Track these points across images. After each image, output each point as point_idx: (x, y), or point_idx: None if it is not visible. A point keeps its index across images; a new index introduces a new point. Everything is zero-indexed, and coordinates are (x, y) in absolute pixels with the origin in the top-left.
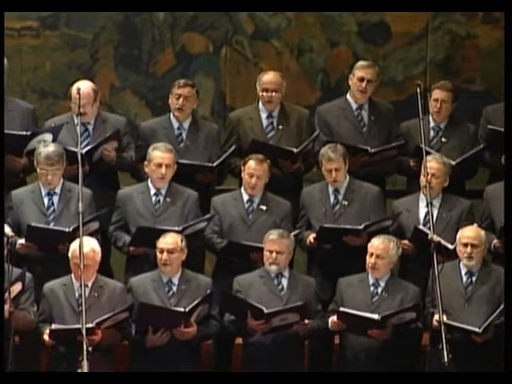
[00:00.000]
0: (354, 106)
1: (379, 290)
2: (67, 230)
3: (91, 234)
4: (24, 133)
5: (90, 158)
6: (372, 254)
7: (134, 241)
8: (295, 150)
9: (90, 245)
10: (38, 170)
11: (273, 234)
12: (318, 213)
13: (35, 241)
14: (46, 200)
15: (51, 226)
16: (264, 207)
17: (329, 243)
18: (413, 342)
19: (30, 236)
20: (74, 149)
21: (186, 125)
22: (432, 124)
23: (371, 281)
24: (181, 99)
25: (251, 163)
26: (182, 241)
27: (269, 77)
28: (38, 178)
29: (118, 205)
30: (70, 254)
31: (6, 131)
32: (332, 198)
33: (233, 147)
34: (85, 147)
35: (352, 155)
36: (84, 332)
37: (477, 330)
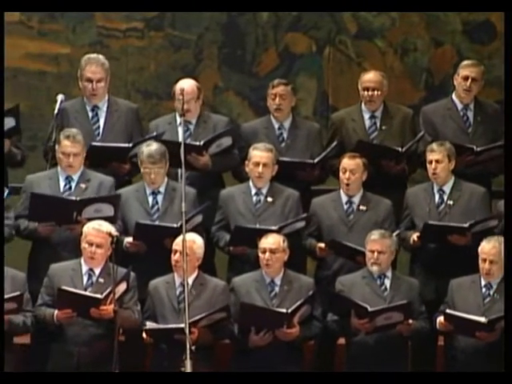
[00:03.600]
0: (460, 105)
1: (491, 291)
2: (175, 225)
3: (195, 228)
4: (127, 145)
5: (207, 150)
6: (485, 260)
7: (232, 240)
8: (401, 150)
9: (192, 237)
10: (142, 170)
11: (374, 234)
12: (422, 212)
13: (143, 238)
14: (150, 199)
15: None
16: (364, 207)
17: (433, 242)
18: None
19: (139, 234)
20: (195, 143)
21: (287, 124)
22: None
23: (483, 282)
24: (277, 98)
25: (344, 160)
26: (284, 241)
27: (370, 76)
28: (142, 178)
29: (221, 204)
30: (172, 248)
31: (109, 144)
32: (437, 197)
33: (334, 143)
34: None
35: (458, 155)
36: (187, 331)
37: None
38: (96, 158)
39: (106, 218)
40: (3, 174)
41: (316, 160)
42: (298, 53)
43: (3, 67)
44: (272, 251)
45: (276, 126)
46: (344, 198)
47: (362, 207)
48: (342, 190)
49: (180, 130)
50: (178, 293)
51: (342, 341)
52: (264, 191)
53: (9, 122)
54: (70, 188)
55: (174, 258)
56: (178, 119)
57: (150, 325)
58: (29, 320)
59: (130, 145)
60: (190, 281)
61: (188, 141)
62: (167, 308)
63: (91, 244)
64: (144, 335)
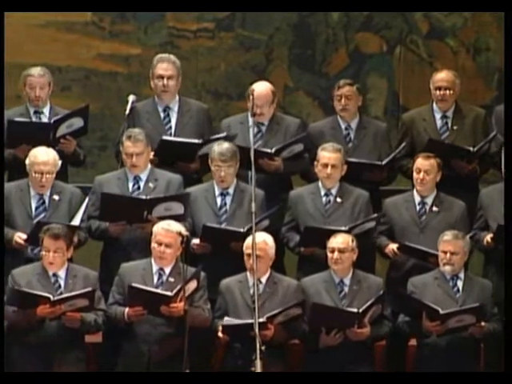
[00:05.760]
0: None
1: None
2: (242, 230)
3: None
4: (197, 141)
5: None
6: None
7: (302, 241)
8: (472, 149)
9: (263, 237)
10: (212, 168)
11: (447, 235)
12: (496, 213)
13: (210, 240)
14: (218, 200)
15: (223, 226)
16: (436, 209)
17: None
18: None
19: (206, 236)
20: (266, 150)
21: (354, 124)
22: None
23: None
24: (343, 99)
25: (418, 160)
26: (352, 241)
27: (442, 75)
28: (212, 177)
29: (290, 205)
30: (244, 247)
31: (179, 139)
32: None
33: (402, 145)
34: (258, 148)
35: None
36: (256, 330)
37: None
38: (165, 154)
39: (176, 216)
40: (3, 174)
41: (384, 162)
42: (369, 53)
43: (3, 67)
44: (341, 251)
45: (343, 126)
46: (417, 199)
47: (434, 208)
48: (415, 191)
49: (251, 135)
50: (251, 291)
51: (413, 342)
52: (333, 192)
53: (77, 122)
54: (139, 188)
55: (248, 261)
56: (250, 120)
57: (226, 320)
58: (100, 319)
59: (200, 141)
60: (264, 280)
61: (259, 142)
62: (241, 306)
63: (160, 244)
64: (220, 334)
